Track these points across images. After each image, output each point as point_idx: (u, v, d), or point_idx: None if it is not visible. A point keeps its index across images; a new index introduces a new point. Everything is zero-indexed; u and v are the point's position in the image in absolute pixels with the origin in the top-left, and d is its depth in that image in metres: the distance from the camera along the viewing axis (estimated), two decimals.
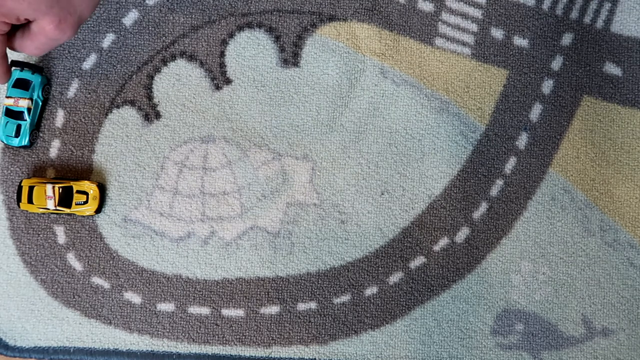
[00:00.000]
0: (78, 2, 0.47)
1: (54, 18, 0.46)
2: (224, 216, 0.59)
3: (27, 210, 0.58)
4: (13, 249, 0.58)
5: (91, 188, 0.57)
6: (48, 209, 0.57)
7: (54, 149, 0.59)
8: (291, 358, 0.59)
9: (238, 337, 0.59)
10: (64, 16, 0.47)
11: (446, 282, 0.60)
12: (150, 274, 0.59)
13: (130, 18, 0.60)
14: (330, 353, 0.59)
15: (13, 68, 0.57)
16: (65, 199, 0.57)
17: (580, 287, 0.61)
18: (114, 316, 0.58)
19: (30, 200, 0.57)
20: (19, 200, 0.57)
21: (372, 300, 0.60)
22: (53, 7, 0.46)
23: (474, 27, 0.61)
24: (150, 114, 0.60)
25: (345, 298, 0.60)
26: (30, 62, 0.58)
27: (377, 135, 0.60)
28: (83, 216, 0.58)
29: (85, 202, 0.56)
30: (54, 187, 0.56)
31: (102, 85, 0.60)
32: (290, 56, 0.60)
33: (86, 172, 0.59)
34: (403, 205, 0.60)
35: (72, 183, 0.57)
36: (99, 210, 0.58)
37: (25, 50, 0.49)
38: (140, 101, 0.60)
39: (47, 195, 0.56)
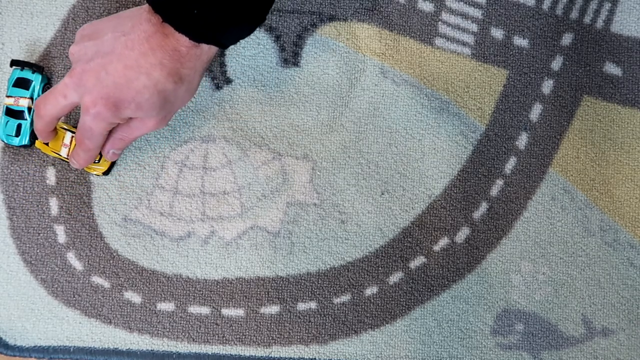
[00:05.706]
0: (180, 102, 0.50)
1: (158, 117, 0.50)
2: (224, 216, 0.59)
3: (39, 149, 0.57)
4: (13, 248, 0.58)
5: None
6: (60, 155, 0.56)
7: None
8: (291, 358, 0.59)
9: (238, 336, 0.59)
10: (165, 114, 0.50)
11: (446, 282, 0.60)
12: (150, 274, 0.59)
13: None
14: (330, 353, 0.59)
15: (13, 67, 0.57)
16: None
17: (580, 287, 0.61)
18: (114, 315, 0.58)
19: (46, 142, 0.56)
20: (35, 137, 0.56)
21: (372, 300, 0.60)
22: (161, 111, 0.49)
23: (474, 27, 0.61)
24: None
25: (345, 298, 0.60)
26: (31, 62, 0.58)
27: (377, 135, 0.60)
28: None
29: (98, 162, 0.56)
30: (72, 137, 0.56)
31: None
32: (291, 56, 0.60)
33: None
34: (403, 205, 0.60)
35: None
36: (107, 173, 0.57)
37: (121, 140, 0.52)
38: None
39: (64, 143, 0.56)
